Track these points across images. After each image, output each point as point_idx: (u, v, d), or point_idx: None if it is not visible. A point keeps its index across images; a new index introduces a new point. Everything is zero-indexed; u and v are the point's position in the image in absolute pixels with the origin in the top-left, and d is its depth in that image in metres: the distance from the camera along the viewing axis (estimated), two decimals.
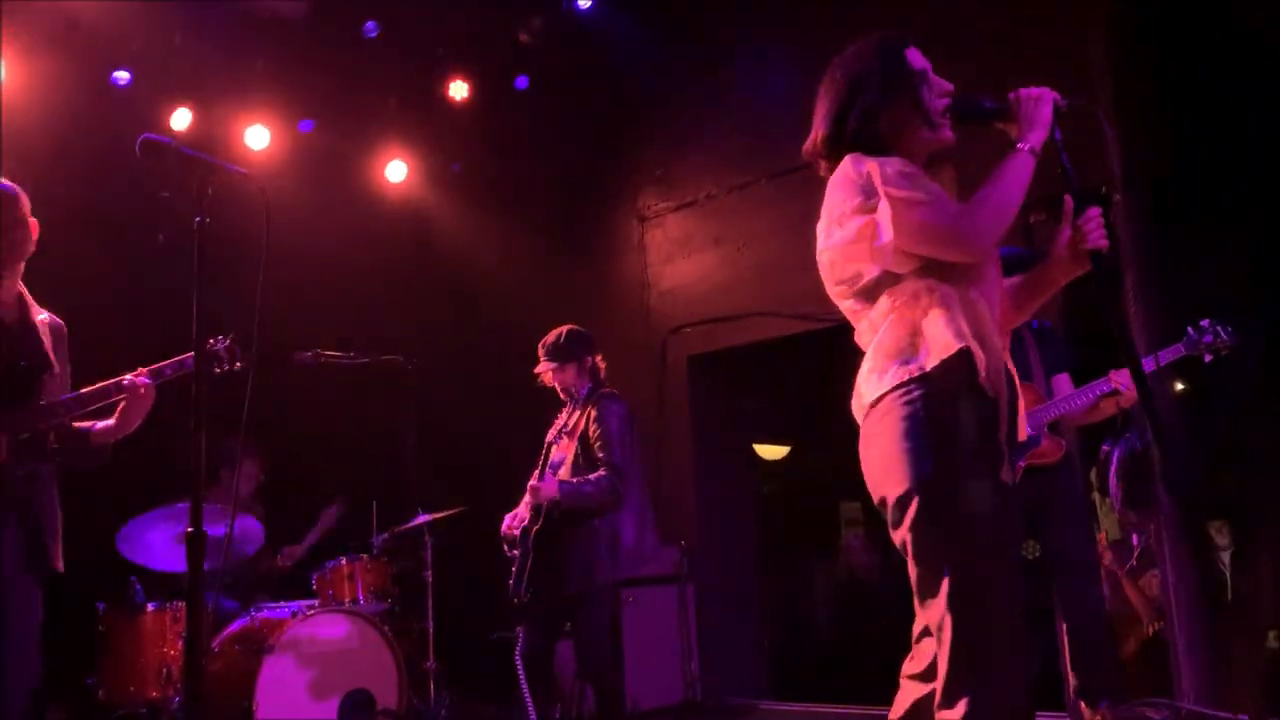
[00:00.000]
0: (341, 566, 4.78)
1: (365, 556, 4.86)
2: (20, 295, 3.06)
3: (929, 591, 2.01)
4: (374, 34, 5.68)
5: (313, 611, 4.41)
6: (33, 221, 3.03)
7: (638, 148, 6.56)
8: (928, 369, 2.03)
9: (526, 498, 4.05)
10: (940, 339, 2.04)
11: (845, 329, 6.33)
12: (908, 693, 2.15)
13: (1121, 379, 3.62)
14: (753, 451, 7.58)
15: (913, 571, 2.05)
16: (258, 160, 5.96)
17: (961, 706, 1.92)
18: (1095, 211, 2.19)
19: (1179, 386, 4.93)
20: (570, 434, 4.18)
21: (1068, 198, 2.20)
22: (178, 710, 4.10)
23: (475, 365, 6.75)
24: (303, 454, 5.88)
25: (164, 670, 4.24)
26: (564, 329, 4.31)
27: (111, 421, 3.07)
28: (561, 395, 4.32)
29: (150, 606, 4.34)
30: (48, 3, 4.93)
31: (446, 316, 6.84)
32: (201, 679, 4.03)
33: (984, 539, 1.98)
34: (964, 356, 2.02)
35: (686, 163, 6.34)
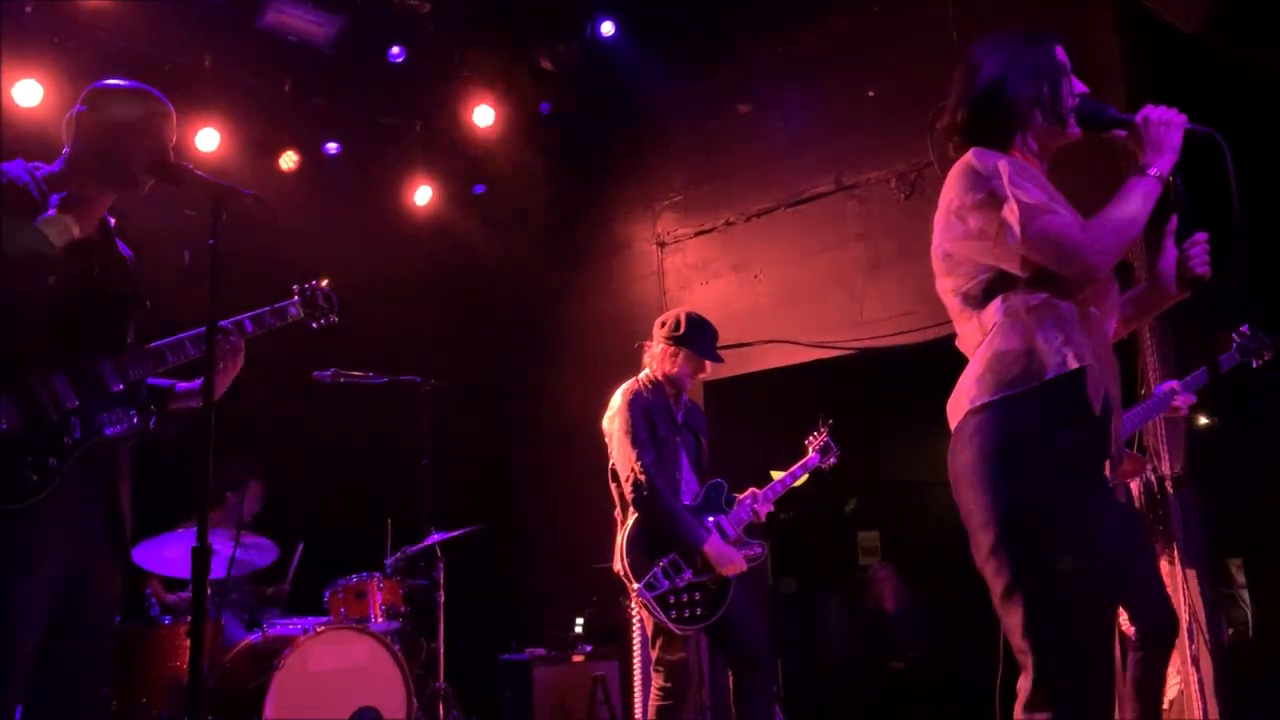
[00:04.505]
0: (353, 584, 4.81)
1: (378, 575, 4.88)
2: (106, 220, 2.62)
3: (1012, 615, 1.96)
4: (400, 59, 5.77)
5: (323, 629, 4.43)
6: (152, 145, 2.49)
7: (658, 174, 6.61)
8: (1040, 383, 1.99)
9: (749, 514, 3.95)
10: (1058, 355, 2.00)
11: (862, 358, 6.29)
12: None
13: (1181, 395, 3.69)
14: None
15: (993, 592, 2.01)
16: (284, 182, 6.06)
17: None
18: (1201, 237, 2.16)
19: (1203, 421, 4.89)
20: (695, 431, 4.06)
21: (1173, 216, 2.16)
22: None
23: (492, 387, 6.80)
24: (319, 471, 5.93)
25: (177, 685, 4.28)
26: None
27: (196, 383, 2.67)
28: (670, 387, 3.98)
29: (164, 621, 4.39)
30: (84, 27, 5.05)
31: (464, 338, 6.89)
32: (204, 691, 4.06)
33: (1071, 571, 1.93)
34: (1079, 376, 1.99)
35: (706, 189, 6.37)
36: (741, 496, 3.99)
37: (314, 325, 2.86)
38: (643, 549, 3.74)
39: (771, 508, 4.03)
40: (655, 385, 3.95)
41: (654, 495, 3.69)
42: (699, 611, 3.69)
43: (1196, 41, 4.00)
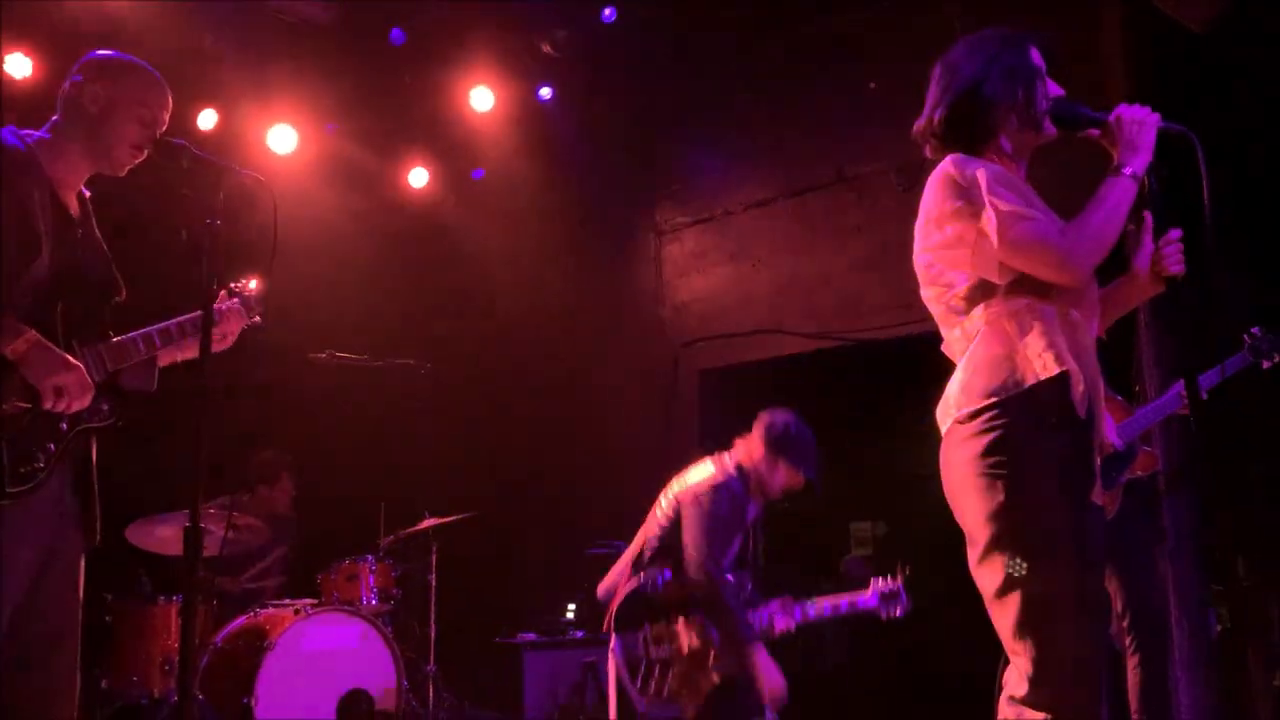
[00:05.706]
0: (345, 566, 4.81)
1: (370, 557, 4.89)
2: (83, 195, 2.59)
3: (1006, 617, 1.99)
4: (401, 41, 5.75)
5: (315, 610, 4.44)
6: (142, 124, 2.49)
7: (657, 162, 6.60)
8: (1024, 389, 2.01)
9: (765, 621, 3.74)
10: (1040, 359, 2.02)
11: (859, 348, 6.26)
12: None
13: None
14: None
15: (986, 595, 2.03)
16: (283, 162, 6.04)
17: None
18: (1176, 234, 2.18)
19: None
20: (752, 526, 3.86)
21: (1147, 214, 2.18)
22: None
23: (487, 372, 6.80)
24: (313, 453, 5.93)
25: (168, 663, 4.28)
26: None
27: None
28: (756, 483, 3.80)
29: (158, 599, 4.39)
30: (79, 2, 5.01)
31: (460, 322, 6.89)
32: (195, 670, 4.05)
33: (1063, 571, 1.97)
34: (1063, 380, 2.01)
35: (704, 178, 6.37)
36: (768, 602, 3.81)
37: (245, 324, 2.84)
38: (641, 608, 3.67)
39: (791, 628, 3.75)
40: (744, 479, 3.78)
41: (715, 592, 3.57)
42: (665, 690, 3.57)
43: (1204, 41, 3.99)
